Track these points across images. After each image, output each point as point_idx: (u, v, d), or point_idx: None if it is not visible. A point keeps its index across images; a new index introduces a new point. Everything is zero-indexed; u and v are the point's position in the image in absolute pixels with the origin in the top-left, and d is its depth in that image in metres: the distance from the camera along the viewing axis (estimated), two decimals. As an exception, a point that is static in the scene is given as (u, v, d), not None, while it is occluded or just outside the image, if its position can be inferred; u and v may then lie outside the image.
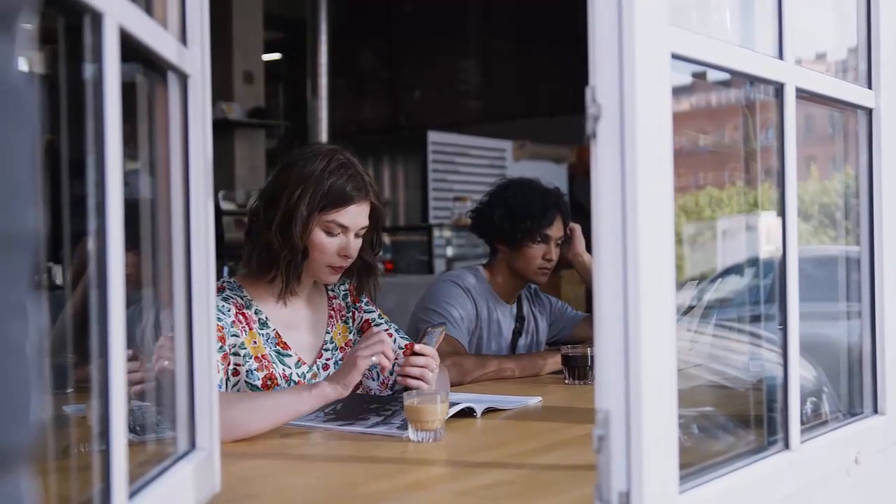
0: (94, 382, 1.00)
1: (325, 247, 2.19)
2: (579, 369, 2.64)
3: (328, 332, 2.34)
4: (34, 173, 0.54)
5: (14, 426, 0.53)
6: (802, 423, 1.55)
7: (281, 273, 2.19)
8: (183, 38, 1.34)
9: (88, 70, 1.00)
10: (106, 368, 1.00)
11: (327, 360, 2.31)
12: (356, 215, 2.20)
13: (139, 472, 1.18)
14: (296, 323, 2.28)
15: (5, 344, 0.51)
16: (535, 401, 2.35)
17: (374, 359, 2.00)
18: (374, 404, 2.15)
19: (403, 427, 1.90)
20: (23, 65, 0.55)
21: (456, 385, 2.65)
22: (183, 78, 1.33)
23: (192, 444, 1.36)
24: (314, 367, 2.27)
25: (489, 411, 2.18)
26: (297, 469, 1.74)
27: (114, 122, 1.01)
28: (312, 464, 1.75)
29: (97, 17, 0.98)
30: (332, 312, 2.37)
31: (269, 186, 2.23)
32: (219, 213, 4.77)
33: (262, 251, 2.19)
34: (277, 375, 2.18)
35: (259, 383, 2.14)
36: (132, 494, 1.08)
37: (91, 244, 0.99)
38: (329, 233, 2.19)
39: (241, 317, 2.17)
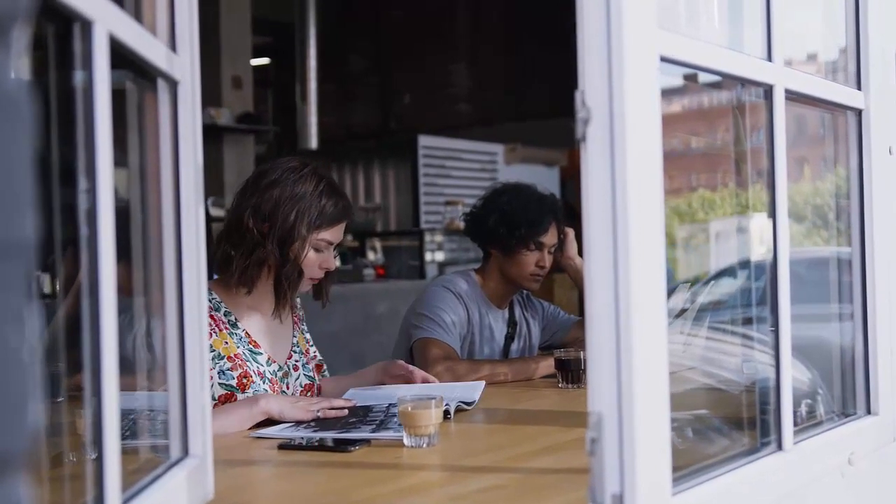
0: (86, 391, 1.00)
1: (311, 262, 2.30)
2: (572, 373, 2.64)
3: (294, 337, 2.45)
4: (31, 181, 0.55)
5: (13, 432, 0.53)
6: (797, 424, 1.56)
7: (285, 289, 2.29)
8: (172, 45, 1.33)
9: (78, 77, 1.00)
10: (98, 377, 0.99)
11: (296, 361, 2.43)
12: (341, 232, 2.35)
13: (131, 480, 1.17)
14: (265, 327, 2.37)
15: (4, 350, 0.51)
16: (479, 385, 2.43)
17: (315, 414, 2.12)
18: (358, 414, 2.14)
19: (400, 430, 1.90)
20: (18, 72, 0.55)
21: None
22: (173, 84, 1.33)
23: (185, 452, 1.36)
24: (285, 367, 2.37)
25: (460, 411, 2.21)
26: (291, 476, 1.73)
27: (104, 129, 1.00)
28: (306, 470, 1.74)
29: (87, 25, 0.98)
30: (297, 320, 2.49)
31: (257, 201, 2.26)
32: (208, 219, 4.79)
33: (255, 266, 2.26)
34: (252, 373, 2.26)
35: (234, 382, 2.22)
36: (125, 502, 1.08)
37: (83, 252, 0.99)
38: (317, 249, 2.30)
39: (209, 319, 2.21)
